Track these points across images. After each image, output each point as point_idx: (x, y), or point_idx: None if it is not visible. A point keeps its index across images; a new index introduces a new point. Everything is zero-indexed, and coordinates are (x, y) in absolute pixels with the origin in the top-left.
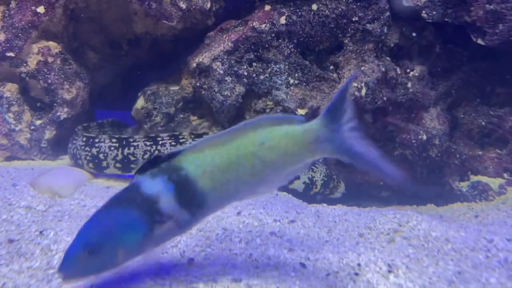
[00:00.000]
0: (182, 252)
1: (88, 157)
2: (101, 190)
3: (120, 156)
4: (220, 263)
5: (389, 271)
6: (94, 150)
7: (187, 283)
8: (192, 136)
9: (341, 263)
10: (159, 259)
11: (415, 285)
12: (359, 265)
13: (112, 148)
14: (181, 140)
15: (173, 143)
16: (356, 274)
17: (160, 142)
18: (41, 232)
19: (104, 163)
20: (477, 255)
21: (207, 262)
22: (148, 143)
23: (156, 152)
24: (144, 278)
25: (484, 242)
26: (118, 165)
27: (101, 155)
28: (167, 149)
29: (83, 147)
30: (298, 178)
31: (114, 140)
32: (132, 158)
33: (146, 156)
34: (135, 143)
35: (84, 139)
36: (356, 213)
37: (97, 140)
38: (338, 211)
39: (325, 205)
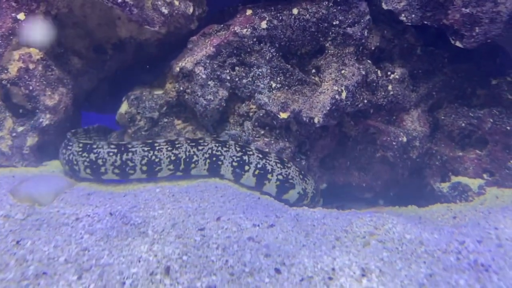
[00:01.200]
0: (160, 259)
1: (85, 163)
2: (82, 197)
3: (118, 162)
4: (196, 270)
5: (363, 275)
6: (92, 156)
7: None
8: (188, 141)
9: (316, 267)
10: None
11: None
12: (333, 269)
13: (111, 154)
14: (177, 145)
15: (169, 148)
16: (330, 278)
17: (157, 148)
18: (17, 242)
19: (103, 169)
20: (449, 257)
21: (183, 269)
22: (146, 149)
23: (153, 157)
24: None
25: (456, 244)
26: (116, 170)
27: (99, 161)
28: (163, 154)
29: (80, 153)
30: (293, 187)
31: (112, 146)
32: (130, 164)
33: (144, 162)
34: (133, 149)
35: (81, 145)
36: (335, 216)
37: (95, 146)
38: (318, 214)
39: (305, 208)
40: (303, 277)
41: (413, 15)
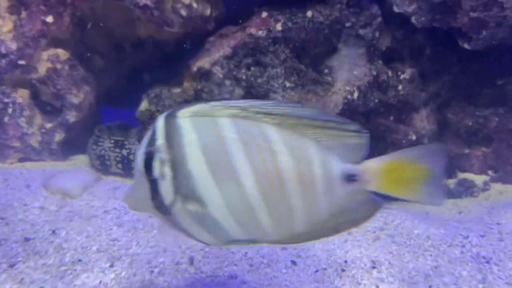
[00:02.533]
0: (185, 250)
1: (117, 159)
2: (108, 191)
3: None
4: (218, 261)
5: (373, 267)
6: (124, 152)
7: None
8: None
9: (329, 260)
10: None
11: (395, 280)
12: (346, 261)
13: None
14: None
15: None
16: (343, 270)
17: None
18: (53, 232)
19: (133, 164)
20: (454, 250)
21: (206, 260)
22: None
23: None
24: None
25: (460, 239)
26: None
27: (131, 156)
28: None
29: (112, 149)
30: None
31: None
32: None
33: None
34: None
35: (113, 141)
36: None
37: (126, 143)
38: None
39: None
40: (317, 268)
41: (423, 18)
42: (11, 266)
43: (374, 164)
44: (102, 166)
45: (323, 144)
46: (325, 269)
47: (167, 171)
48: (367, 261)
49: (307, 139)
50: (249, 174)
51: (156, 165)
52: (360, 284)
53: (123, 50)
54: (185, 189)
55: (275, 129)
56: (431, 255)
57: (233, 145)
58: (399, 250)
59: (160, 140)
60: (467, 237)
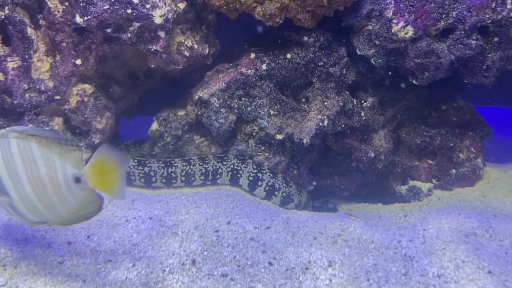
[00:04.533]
0: (188, 253)
1: (141, 174)
2: (128, 203)
3: (165, 174)
4: (213, 262)
5: (329, 265)
6: (146, 169)
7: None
8: (215, 158)
9: (297, 260)
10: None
11: (344, 275)
12: (309, 261)
13: (160, 168)
14: (206, 161)
15: (201, 163)
16: (306, 268)
17: (192, 163)
18: (88, 237)
19: (154, 179)
20: (389, 251)
21: (204, 261)
22: (184, 164)
23: (190, 170)
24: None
25: (395, 242)
26: (163, 180)
27: (151, 173)
28: (197, 168)
29: (136, 167)
30: (292, 201)
31: (161, 162)
32: (173, 175)
33: (183, 173)
34: (175, 164)
35: (136, 161)
36: (315, 219)
37: (147, 162)
38: (302, 217)
39: (294, 210)
40: (287, 267)
41: (380, 60)
42: (60, 263)
43: (87, 168)
44: (126, 180)
45: (63, 155)
46: (293, 268)
47: None
48: (325, 261)
49: (53, 152)
50: (25, 179)
51: None
52: (318, 278)
53: (137, 78)
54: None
55: (36, 146)
56: (372, 255)
57: (16, 158)
58: (350, 252)
59: None
60: (400, 241)
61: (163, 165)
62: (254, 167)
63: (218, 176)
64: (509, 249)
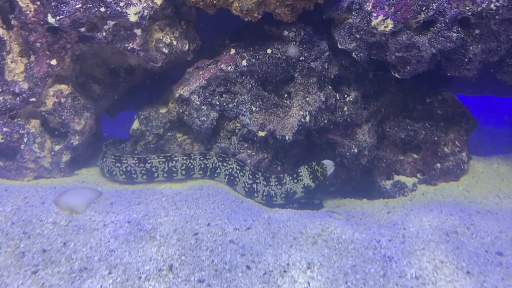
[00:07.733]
0: (165, 258)
1: (143, 171)
2: (106, 206)
3: (166, 168)
4: (191, 267)
5: (308, 268)
6: (147, 165)
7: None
8: (217, 157)
9: (276, 263)
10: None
11: (323, 277)
12: (288, 264)
13: (161, 163)
14: (207, 157)
15: (201, 158)
16: (285, 271)
17: (192, 157)
18: (64, 244)
19: (156, 175)
20: (368, 252)
21: (182, 267)
22: (185, 158)
23: (189, 164)
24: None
25: (374, 242)
26: (165, 175)
27: (153, 169)
28: (197, 162)
29: (137, 165)
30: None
31: (161, 157)
32: (174, 169)
33: (183, 168)
34: (175, 159)
35: (136, 158)
36: (296, 219)
37: (148, 159)
38: (284, 216)
39: (277, 209)
40: (266, 271)
41: (361, 54)
42: (34, 273)
43: None
44: (128, 179)
45: None
46: (271, 271)
47: None
48: (304, 263)
49: None
50: None
51: None
52: (296, 282)
53: (117, 75)
54: None
55: None
56: (352, 256)
57: None
58: (329, 253)
59: None
60: (379, 241)
61: (164, 160)
62: (250, 176)
63: (216, 175)
64: (490, 247)
